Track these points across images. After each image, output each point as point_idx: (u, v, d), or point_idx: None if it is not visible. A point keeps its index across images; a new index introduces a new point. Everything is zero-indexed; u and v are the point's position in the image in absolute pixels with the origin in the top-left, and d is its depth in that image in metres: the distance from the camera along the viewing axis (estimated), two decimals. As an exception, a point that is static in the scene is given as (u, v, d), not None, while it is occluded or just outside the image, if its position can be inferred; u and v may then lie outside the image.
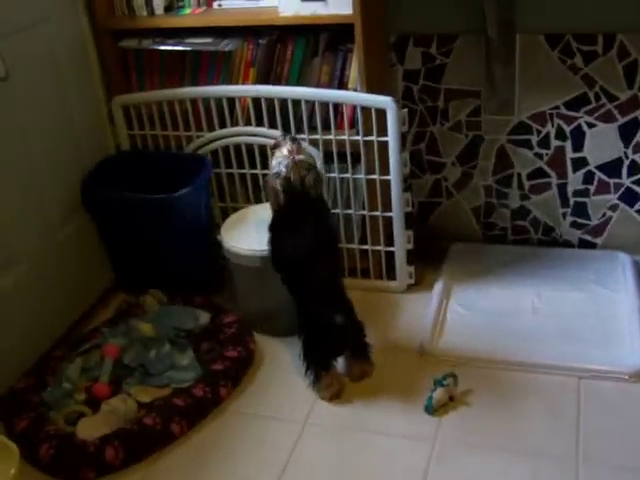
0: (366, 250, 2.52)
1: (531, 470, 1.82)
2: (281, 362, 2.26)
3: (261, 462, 1.93)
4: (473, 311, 2.38)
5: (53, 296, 2.35)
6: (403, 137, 2.32)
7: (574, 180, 2.55)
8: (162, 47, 2.49)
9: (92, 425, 2.04)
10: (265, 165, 2.47)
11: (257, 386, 2.18)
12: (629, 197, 2.53)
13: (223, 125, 2.51)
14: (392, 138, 2.30)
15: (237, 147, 2.52)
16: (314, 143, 2.40)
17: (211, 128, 2.52)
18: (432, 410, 2.00)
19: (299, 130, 2.41)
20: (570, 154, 2.52)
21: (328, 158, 2.42)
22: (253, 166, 2.53)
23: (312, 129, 2.42)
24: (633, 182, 2.50)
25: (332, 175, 2.44)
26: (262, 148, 2.47)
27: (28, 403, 2.12)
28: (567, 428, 1.93)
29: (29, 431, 2.02)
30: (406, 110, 2.32)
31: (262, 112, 2.43)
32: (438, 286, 2.49)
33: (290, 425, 2.04)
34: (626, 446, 1.87)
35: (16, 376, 2.22)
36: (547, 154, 2.54)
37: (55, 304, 2.35)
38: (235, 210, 2.54)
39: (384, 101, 2.27)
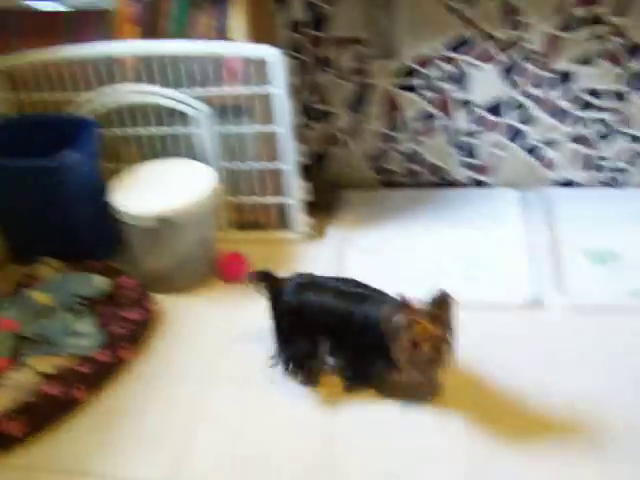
0: (263, 203, 2.52)
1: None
2: (183, 320, 2.25)
3: (170, 421, 1.93)
4: (371, 255, 2.43)
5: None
6: (291, 87, 2.32)
7: (461, 121, 2.61)
8: (38, 5, 2.39)
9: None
10: (158, 123, 2.44)
11: (161, 346, 2.17)
12: (515, 135, 2.61)
13: (105, 83, 2.42)
14: (279, 88, 2.29)
15: (126, 106, 2.46)
16: (204, 98, 2.36)
17: (92, 87, 2.44)
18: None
19: (187, 86, 2.37)
20: (456, 95, 2.57)
21: (219, 113, 2.39)
22: (142, 124, 2.48)
23: (201, 83, 2.37)
24: (518, 121, 2.58)
25: (224, 129, 2.42)
26: (152, 106, 2.42)
27: None
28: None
29: None
30: (293, 60, 2.31)
31: (150, 69, 2.37)
32: (335, 234, 2.52)
33: (198, 382, 2.04)
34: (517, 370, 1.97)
35: None
36: (433, 96, 2.59)
37: None
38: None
39: (269, 52, 2.25)
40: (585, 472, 1.68)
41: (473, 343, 1.97)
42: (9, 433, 1.89)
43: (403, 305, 1.77)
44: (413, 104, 2.61)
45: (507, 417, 1.83)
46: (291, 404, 1.94)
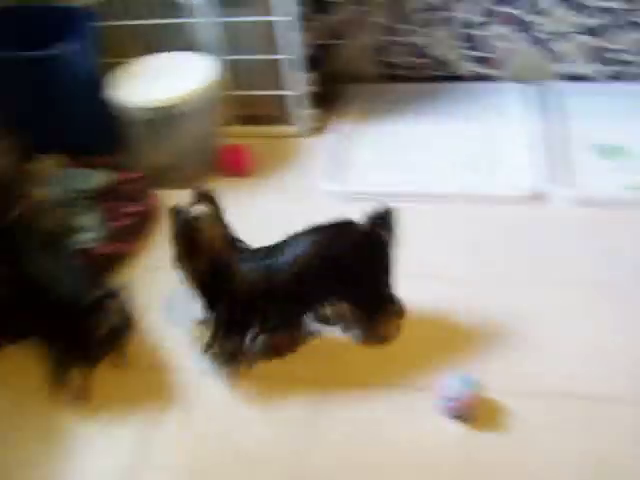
0: (267, 96, 2.48)
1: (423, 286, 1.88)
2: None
3: (170, 316, 1.94)
4: (374, 149, 2.40)
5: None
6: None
7: (471, 13, 2.53)
8: None
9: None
10: (156, 14, 2.37)
11: (161, 240, 2.15)
12: (524, 27, 2.53)
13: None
14: (282, -24, 2.22)
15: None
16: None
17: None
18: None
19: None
20: (463, -16, 2.49)
21: (220, 1, 2.32)
22: (144, 16, 2.41)
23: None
24: (528, 12, 2.50)
25: (224, 19, 2.35)
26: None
27: None
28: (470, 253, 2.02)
29: None
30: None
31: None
32: (339, 127, 2.49)
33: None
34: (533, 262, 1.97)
35: None
36: (441, -14, 2.51)
37: None
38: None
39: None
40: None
41: (477, 236, 1.97)
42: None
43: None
44: (419, -7, 2.53)
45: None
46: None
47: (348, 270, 1.69)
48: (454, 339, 1.79)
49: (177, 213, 1.68)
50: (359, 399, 1.68)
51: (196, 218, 1.66)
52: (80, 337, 1.73)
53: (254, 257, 1.71)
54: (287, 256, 1.68)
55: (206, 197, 1.72)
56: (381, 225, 1.69)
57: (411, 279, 1.76)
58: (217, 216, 1.72)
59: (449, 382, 1.62)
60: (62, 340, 1.77)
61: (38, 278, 1.79)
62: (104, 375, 1.77)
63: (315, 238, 1.69)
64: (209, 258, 1.67)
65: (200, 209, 1.68)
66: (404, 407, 1.65)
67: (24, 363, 1.83)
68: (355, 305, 1.76)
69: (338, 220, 1.72)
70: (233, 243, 1.74)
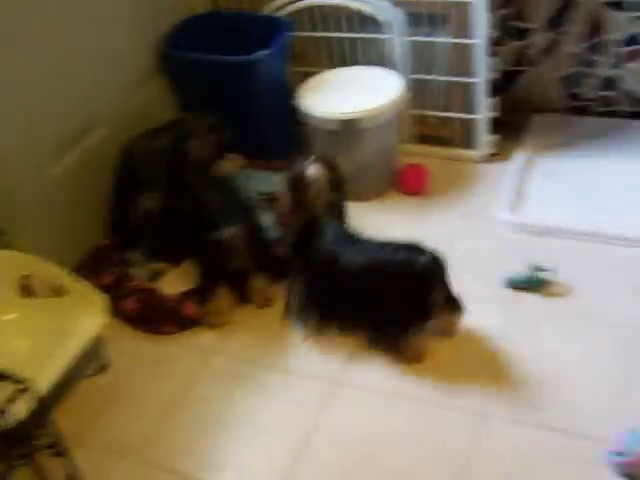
0: (448, 117, 2.46)
1: (614, 340, 1.81)
2: (360, 225, 2.25)
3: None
4: (554, 182, 2.33)
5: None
6: (492, -2, 2.22)
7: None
8: None
9: (174, 281, 2.11)
10: (349, 28, 2.41)
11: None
12: None
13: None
14: (480, -1, 2.20)
15: (321, 9, 2.44)
16: (399, 4, 2.30)
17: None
18: (510, 285, 1.98)
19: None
20: (670, 18, 2.37)
21: (414, 19, 2.33)
22: (337, 29, 2.45)
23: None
24: None
25: (416, 38, 2.35)
26: (344, 10, 2.39)
27: (113, 260, 2.20)
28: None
29: (114, 286, 2.09)
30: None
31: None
32: (519, 156, 2.43)
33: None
34: None
35: (101, 235, 2.29)
36: (644, 18, 2.40)
37: None
38: (315, 75, 2.50)
39: (474, -42, 2.16)
40: None
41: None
42: (184, 313, 2.01)
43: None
44: (619, 25, 2.42)
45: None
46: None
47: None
48: (629, 388, 1.70)
49: (292, 167, 1.83)
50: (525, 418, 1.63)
51: (305, 175, 1.82)
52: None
53: (343, 239, 1.83)
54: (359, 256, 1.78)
55: (327, 163, 1.86)
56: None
57: (585, 322, 1.68)
58: (330, 182, 1.85)
59: (624, 437, 1.53)
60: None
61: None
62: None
63: (386, 255, 1.77)
64: (307, 216, 1.83)
65: (315, 170, 1.82)
66: (573, 452, 1.58)
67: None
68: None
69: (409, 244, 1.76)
70: (338, 212, 1.89)
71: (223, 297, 2.01)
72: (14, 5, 1.94)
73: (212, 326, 2.01)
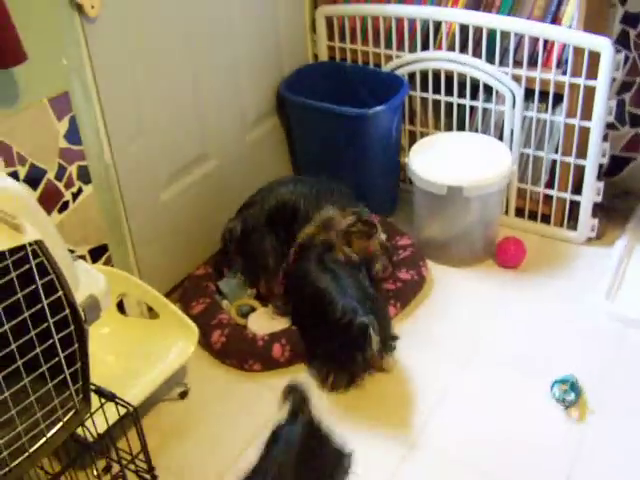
0: (551, 195, 2.45)
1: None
2: (452, 292, 2.27)
3: (413, 396, 1.96)
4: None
5: (234, 192, 2.41)
6: (612, 83, 2.21)
7: None
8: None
9: (263, 320, 2.14)
10: (462, 94, 2.43)
11: (424, 312, 2.20)
12: None
13: (425, 48, 2.47)
14: (602, 83, 2.19)
15: (435, 72, 2.48)
16: (517, 79, 2.32)
17: (412, 49, 2.49)
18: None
19: (502, 63, 2.34)
20: None
21: (529, 95, 2.34)
22: (449, 93, 2.48)
23: (516, 63, 2.34)
24: None
25: (529, 114, 2.36)
26: (461, 76, 2.42)
27: (204, 289, 2.24)
28: None
29: (203, 316, 2.14)
30: (622, 55, 2.20)
31: (468, 39, 2.37)
32: (621, 243, 2.39)
33: (452, 357, 2.05)
34: None
35: (196, 264, 2.35)
36: None
37: (235, 201, 2.37)
38: (423, 135, 2.54)
39: (601, 43, 2.15)
40: None
41: None
42: (271, 354, 2.03)
43: None
44: None
45: None
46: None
47: None
48: None
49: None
50: None
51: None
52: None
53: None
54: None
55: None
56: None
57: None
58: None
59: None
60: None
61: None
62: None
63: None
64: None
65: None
66: None
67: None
68: None
69: None
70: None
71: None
72: (162, 51, 2.06)
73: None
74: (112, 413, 1.53)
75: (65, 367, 1.26)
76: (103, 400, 1.47)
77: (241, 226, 2.24)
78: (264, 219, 2.24)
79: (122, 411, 1.51)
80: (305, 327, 2.09)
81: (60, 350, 1.24)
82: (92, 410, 1.40)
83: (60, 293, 1.22)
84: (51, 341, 1.23)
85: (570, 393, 1.86)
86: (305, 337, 2.06)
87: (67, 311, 1.23)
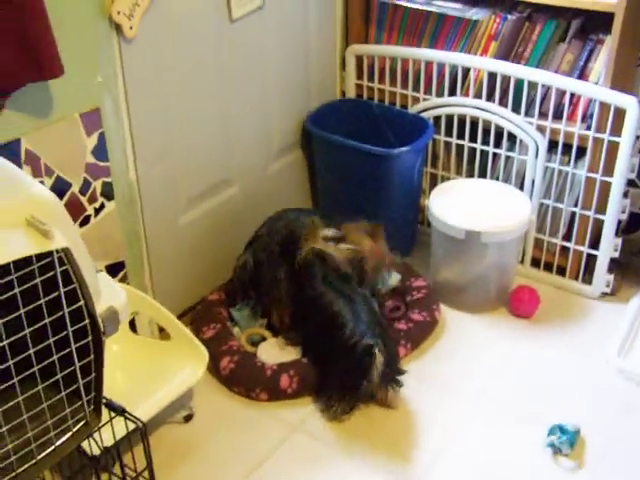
0: (567, 247, 2.45)
1: None
2: (463, 336, 2.27)
3: (420, 435, 1.95)
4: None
5: (252, 221, 2.38)
6: (636, 139, 2.23)
7: None
8: (409, 4, 2.50)
9: (273, 350, 2.13)
10: (486, 141, 2.46)
11: (435, 354, 2.20)
12: None
13: (452, 93, 2.50)
14: (626, 140, 2.21)
15: (460, 117, 2.51)
16: (542, 130, 2.34)
17: (439, 93, 2.52)
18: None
19: (528, 114, 2.36)
20: None
21: (552, 147, 2.36)
22: (473, 139, 2.50)
23: (542, 115, 2.36)
24: None
25: (551, 165, 2.38)
26: (486, 123, 2.44)
27: (217, 315, 2.24)
28: None
29: (214, 341, 2.13)
30: (645, 113, 2.22)
31: (495, 88, 2.39)
32: (636, 301, 2.39)
33: (459, 401, 2.04)
34: None
35: (210, 289, 2.35)
36: None
37: (252, 230, 2.35)
38: (444, 179, 2.56)
39: (627, 100, 2.17)
40: None
41: None
42: (279, 385, 2.02)
43: None
44: None
45: None
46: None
47: None
48: None
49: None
50: None
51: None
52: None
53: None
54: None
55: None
56: None
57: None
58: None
59: None
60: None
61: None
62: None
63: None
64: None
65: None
66: None
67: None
68: None
69: None
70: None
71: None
72: (194, 76, 2.10)
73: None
74: (119, 428, 1.53)
75: (80, 377, 1.26)
76: (113, 414, 1.47)
77: (253, 258, 2.25)
78: (275, 250, 2.24)
79: (130, 426, 1.51)
80: (312, 349, 2.10)
81: (76, 359, 1.25)
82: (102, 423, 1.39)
83: (81, 302, 1.22)
84: (68, 350, 1.24)
85: (564, 440, 1.86)
86: (311, 357, 2.08)
87: (87, 321, 1.24)
